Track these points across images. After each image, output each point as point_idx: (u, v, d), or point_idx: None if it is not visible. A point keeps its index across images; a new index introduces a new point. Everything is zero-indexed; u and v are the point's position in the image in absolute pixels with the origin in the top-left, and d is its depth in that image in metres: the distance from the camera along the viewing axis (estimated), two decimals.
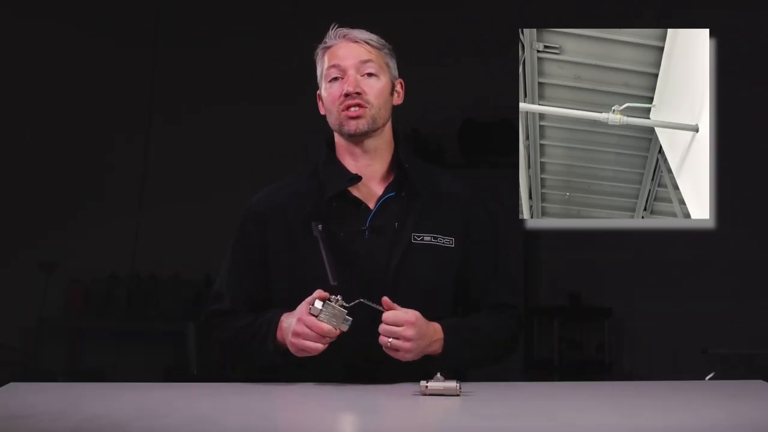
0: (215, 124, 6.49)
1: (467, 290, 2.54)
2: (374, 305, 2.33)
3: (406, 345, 2.32)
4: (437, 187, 2.54)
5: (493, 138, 6.13)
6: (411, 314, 2.33)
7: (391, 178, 2.52)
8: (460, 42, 6.35)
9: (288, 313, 2.38)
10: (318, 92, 2.55)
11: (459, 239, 2.51)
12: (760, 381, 2.48)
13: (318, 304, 2.29)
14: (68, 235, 6.35)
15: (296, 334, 2.31)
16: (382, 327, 2.33)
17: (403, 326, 2.32)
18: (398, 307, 2.34)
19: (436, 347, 2.40)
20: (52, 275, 6.34)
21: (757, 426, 2.02)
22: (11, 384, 2.42)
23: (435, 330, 2.39)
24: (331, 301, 2.30)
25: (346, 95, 2.45)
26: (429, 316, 2.38)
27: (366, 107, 2.46)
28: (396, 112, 2.55)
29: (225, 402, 2.24)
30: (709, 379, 4.52)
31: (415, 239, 2.47)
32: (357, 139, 2.49)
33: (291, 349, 2.35)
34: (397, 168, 2.52)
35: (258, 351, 2.43)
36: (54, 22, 6.44)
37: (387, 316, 2.33)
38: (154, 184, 5.72)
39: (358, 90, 2.45)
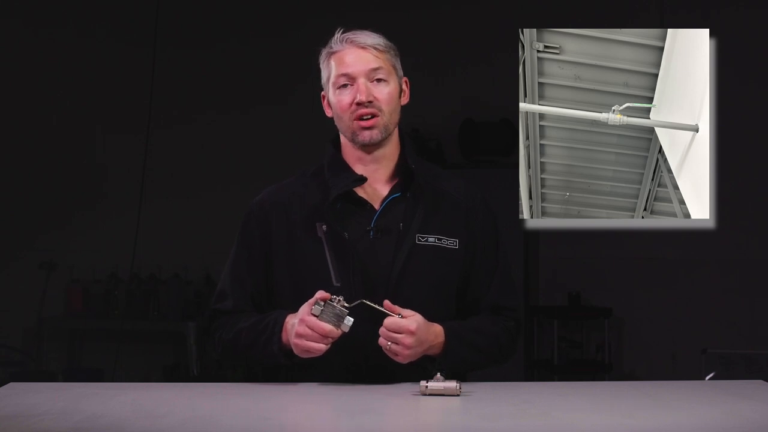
0: (215, 124, 6.49)
1: (468, 291, 2.54)
2: (375, 306, 2.33)
3: (405, 352, 2.33)
4: (442, 188, 2.54)
5: (493, 138, 6.13)
6: (412, 322, 2.33)
7: (396, 179, 2.52)
8: (460, 42, 6.35)
9: (292, 315, 2.38)
10: (323, 93, 2.54)
11: (462, 241, 2.51)
12: (760, 381, 2.48)
13: (319, 304, 2.30)
14: (68, 235, 6.35)
15: (299, 335, 2.32)
16: (383, 331, 2.33)
17: (403, 334, 2.32)
18: (399, 309, 2.34)
19: (436, 350, 2.40)
20: (52, 275, 6.34)
21: (757, 426, 2.02)
22: (11, 384, 2.42)
23: (436, 334, 2.39)
24: (332, 302, 2.30)
25: (358, 104, 2.45)
26: (432, 316, 2.38)
27: (378, 115, 2.45)
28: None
29: (225, 402, 2.24)
30: (709, 379, 4.52)
31: (419, 240, 2.47)
32: (369, 148, 2.49)
33: (295, 350, 2.35)
34: (402, 169, 2.52)
35: (263, 352, 2.42)
36: (55, 23, 6.45)
37: (389, 323, 2.33)
38: (154, 184, 5.71)
39: (370, 99, 2.44)
